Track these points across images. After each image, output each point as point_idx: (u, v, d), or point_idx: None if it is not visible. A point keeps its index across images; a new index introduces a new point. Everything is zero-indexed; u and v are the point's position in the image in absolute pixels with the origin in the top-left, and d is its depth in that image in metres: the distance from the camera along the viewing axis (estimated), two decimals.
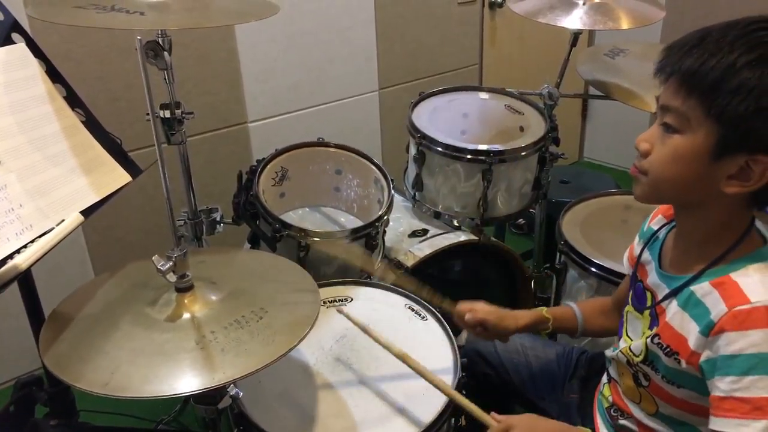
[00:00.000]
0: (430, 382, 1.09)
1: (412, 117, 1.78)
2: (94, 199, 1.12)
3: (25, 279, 1.18)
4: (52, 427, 1.20)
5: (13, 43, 1.13)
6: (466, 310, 1.24)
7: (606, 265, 1.58)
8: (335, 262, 1.58)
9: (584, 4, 1.78)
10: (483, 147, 1.67)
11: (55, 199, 1.07)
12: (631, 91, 1.83)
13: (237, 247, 1.74)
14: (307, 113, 2.41)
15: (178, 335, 0.96)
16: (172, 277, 1.00)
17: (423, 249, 1.70)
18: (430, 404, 1.12)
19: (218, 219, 1.65)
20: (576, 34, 1.90)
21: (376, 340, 1.16)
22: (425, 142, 1.70)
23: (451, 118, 1.87)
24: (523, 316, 1.24)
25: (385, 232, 1.68)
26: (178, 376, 0.89)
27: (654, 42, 2.31)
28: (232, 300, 1.04)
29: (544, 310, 1.24)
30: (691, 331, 0.88)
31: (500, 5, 2.87)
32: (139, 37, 0.91)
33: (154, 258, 0.97)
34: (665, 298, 0.95)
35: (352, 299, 1.41)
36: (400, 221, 1.86)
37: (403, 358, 1.12)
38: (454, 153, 1.67)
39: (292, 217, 1.74)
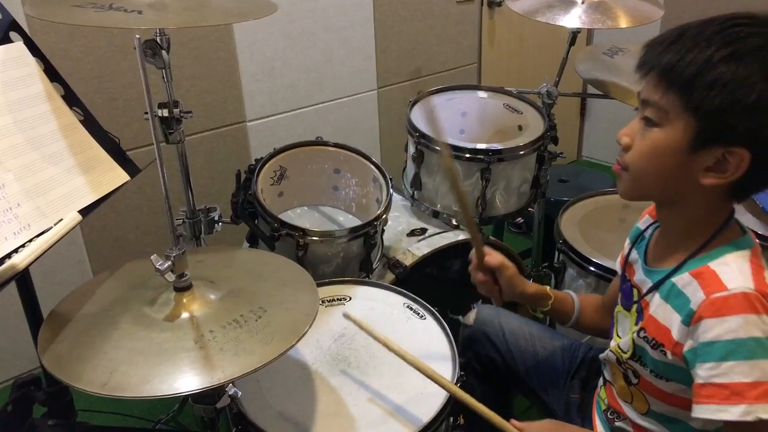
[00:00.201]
0: (453, 394, 1.07)
1: (411, 116, 1.78)
2: (92, 198, 1.12)
3: (23, 278, 1.18)
4: (50, 426, 1.20)
5: (11, 41, 1.13)
6: (488, 252, 1.21)
7: (604, 264, 1.58)
8: (334, 261, 1.58)
9: (583, 2, 1.78)
10: (482, 146, 1.67)
11: (53, 199, 1.06)
12: (629, 90, 1.83)
13: (235, 246, 1.74)
14: (305, 112, 2.41)
15: (176, 335, 0.96)
16: (170, 277, 1.00)
17: (421, 248, 1.70)
18: (428, 403, 1.12)
19: (217, 218, 1.65)
20: (574, 33, 1.90)
21: (390, 348, 1.12)
22: (424, 141, 1.70)
23: (450, 117, 1.87)
24: (529, 285, 1.24)
25: (383, 231, 1.68)
26: (176, 376, 0.89)
27: None
28: (231, 299, 1.04)
29: (548, 288, 1.24)
30: (673, 322, 0.90)
31: (499, 4, 2.87)
32: (137, 36, 0.91)
33: (153, 257, 0.97)
34: (649, 291, 0.97)
35: (350, 298, 1.40)
36: (399, 220, 1.86)
37: (424, 370, 1.08)
38: (453, 152, 1.67)
39: (291, 216, 1.74)
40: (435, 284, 1.74)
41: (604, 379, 1.14)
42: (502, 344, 1.32)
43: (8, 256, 0.96)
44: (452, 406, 1.13)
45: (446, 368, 1.21)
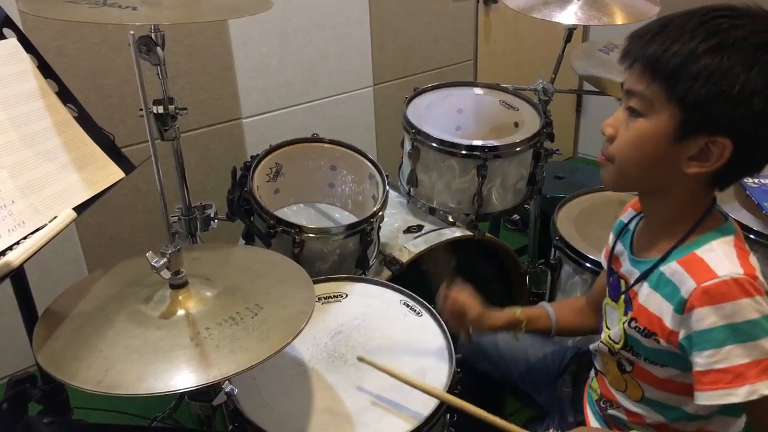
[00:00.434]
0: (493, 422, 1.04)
1: (407, 113, 1.77)
2: (86, 195, 1.12)
3: (17, 276, 1.18)
4: (45, 424, 1.20)
5: (4, 38, 1.12)
6: (453, 297, 1.24)
7: (600, 261, 1.58)
8: (330, 258, 1.58)
9: None
10: (478, 142, 1.67)
11: (48, 196, 1.06)
12: None
13: (231, 243, 1.73)
14: (301, 109, 2.41)
15: (172, 332, 0.95)
16: (166, 274, 0.99)
17: (418, 245, 1.70)
18: (425, 400, 1.12)
19: (212, 215, 1.64)
20: (570, 30, 1.90)
21: (415, 386, 1.10)
22: (420, 137, 1.70)
23: (446, 114, 1.87)
24: (498, 317, 1.25)
25: (379, 228, 1.67)
26: (172, 373, 0.89)
27: None
28: (227, 296, 1.04)
29: (518, 312, 1.25)
30: (665, 311, 0.91)
31: (495, 1, 2.86)
32: (131, 32, 0.90)
33: (148, 255, 0.97)
34: (637, 281, 0.99)
35: (347, 295, 1.40)
36: (395, 217, 1.85)
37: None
38: (449, 149, 1.67)
39: (287, 213, 1.74)
40: (431, 281, 1.74)
41: (596, 370, 1.15)
42: (496, 357, 1.35)
43: (2, 253, 0.95)
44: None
45: (443, 365, 1.21)
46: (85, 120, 1.19)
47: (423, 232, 1.77)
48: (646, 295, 0.95)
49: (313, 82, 2.40)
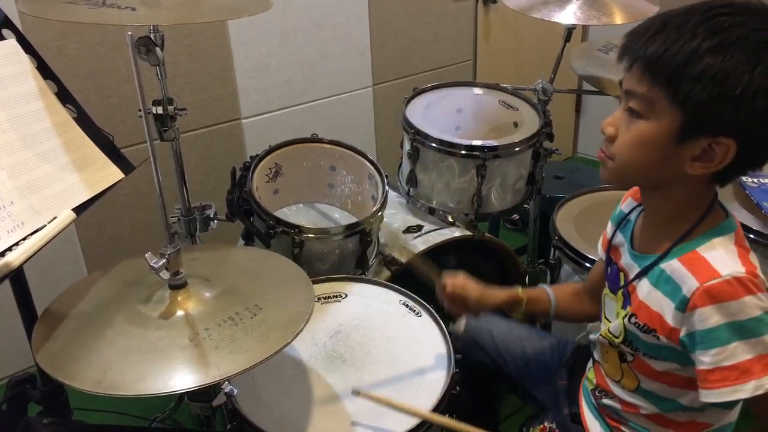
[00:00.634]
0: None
1: (406, 113, 1.77)
2: (86, 196, 1.12)
3: (17, 277, 1.18)
4: (45, 425, 1.20)
5: (3, 39, 1.12)
6: (449, 283, 1.23)
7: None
8: (329, 259, 1.58)
9: None
10: (477, 142, 1.67)
11: (47, 197, 1.06)
12: None
13: (231, 244, 1.74)
14: (300, 109, 2.40)
15: (171, 333, 0.95)
16: (165, 275, 0.99)
17: (417, 245, 1.70)
18: (423, 400, 1.12)
19: (212, 216, 1.64)
20: (570, 30, 1.90)
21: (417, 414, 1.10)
22: (419, 137, 1.70)
23: (446, 114, 1.87)
24: (500, 295, 1.25)
25: (379, 228, 1.67)
26: (171, 374, 0.89)
27: None
28: (226, 297, 1.04)
29: (519, 291, 1.25)
30: (666, 309, 0.91)
31: (494, 1, 2.86)
32: (130, 33, 0.90)
33: (147, 255, 0.97)
34: (636, 277, 0.98)
35: (346, 295, 1.40)
36: (395, 217, 1.85)
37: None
38: (448, 148, 1.67)
39: (286, 213, 1.74)
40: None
41: (593, 359, 1.15)
42: (492, 349, 1.34)
43: (2, 254, 0.95)
44: (447, 403, 1.13)
45: (442, 365, 1.21)
46: (84, 120, 1.19)
47: (422, 232, 1.77)
48: (647, 292, 0.95)
49: (312, 82, 2.40)
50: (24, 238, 0.99)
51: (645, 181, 0.97)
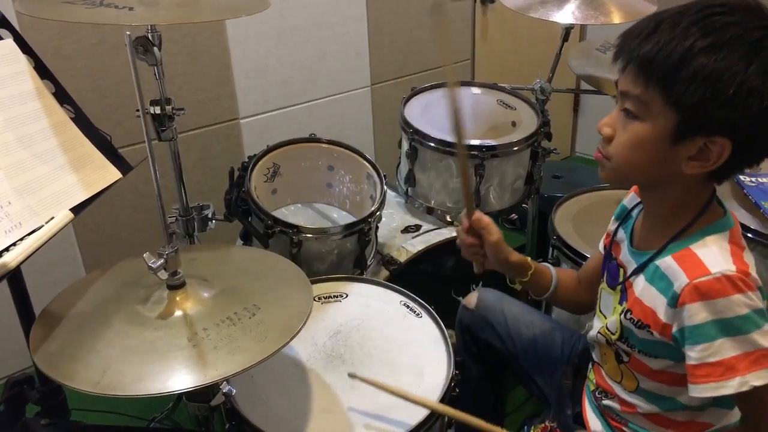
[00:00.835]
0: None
1: (405, 112, 1.77)
2: (83, 196, 1.11)
3: (14, 277, 1.17)
4: (43, 426, 1.19)
5: (0, 39, 1.12)
6: (474, 216, 1.18)
7: None
8: (328, 258, 1.57)
9: None
10: (475, 142, 1.67)
11: (45, 197, 1.05)
12: None
13: (229, 244, 1.73)
14: (298, 109, 2.40)
15: (170, 333, 0.95)
16: (163, 275, 0.99)
17: (416, 245, 1.70)
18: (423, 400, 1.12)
19: (210, 216, 1.64)
20: (568, 29, 1.90)
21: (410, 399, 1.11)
22: (418, 137, 1.70)
23: (444, 114, 1.86)
24: (512, 253, 1.22)
25: (377, 228, 1.67)
26: (170, 374, 0.89)
27: None
28: (225, 297, 1.04)
29: (529, 259, 1.24)
30: (659, 305, 0.92)
31: (492, 1, 2.86)
32: (128, 33, 0.90)
33: (146, 255, 0.97)
34: (633, 273, 1.00)
35: (346, 295, 1.40)
36: (393, 217, 1.85)
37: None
38: (446, 148, 1.67)
39: (285, 213, 1.74)
40: (429, 281, 1.74)
41: (593, 360, 1.15)
42: (503, 330, 1.32)
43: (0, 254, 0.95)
44: (446, 403, 1.13)
45: (441, 366, 1.21)
46: (82, 120, 1.19)
47: (421, 231, 1.77)
48: (642, 288, 0.96)
49: (310, 82, 2.40)
50: (21, 239, 0.98)
51: (642, 181, 0.98)
